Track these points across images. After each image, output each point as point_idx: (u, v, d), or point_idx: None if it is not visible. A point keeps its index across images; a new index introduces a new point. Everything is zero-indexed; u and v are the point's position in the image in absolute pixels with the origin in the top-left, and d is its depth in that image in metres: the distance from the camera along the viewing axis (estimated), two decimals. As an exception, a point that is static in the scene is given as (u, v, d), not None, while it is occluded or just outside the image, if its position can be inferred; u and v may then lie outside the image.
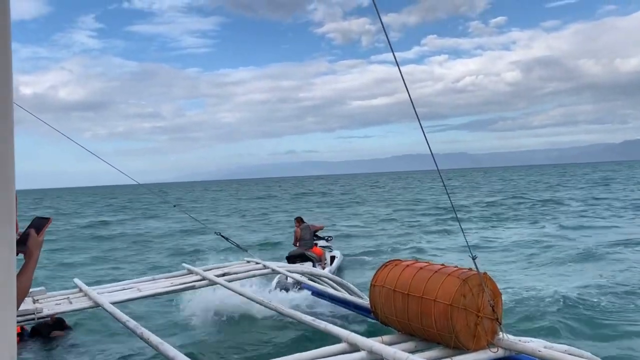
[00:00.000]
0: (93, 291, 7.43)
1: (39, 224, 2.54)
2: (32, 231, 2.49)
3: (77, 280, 8.04)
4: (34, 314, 6.98)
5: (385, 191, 66.67)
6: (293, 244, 14.16)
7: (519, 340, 4.94)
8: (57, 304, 7.20)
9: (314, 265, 12.78)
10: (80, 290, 7.65)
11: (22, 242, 2.46)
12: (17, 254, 2.46)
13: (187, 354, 4.81)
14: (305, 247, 13.72)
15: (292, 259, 12.89)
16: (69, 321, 9.17)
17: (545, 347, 4.74)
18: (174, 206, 10.49)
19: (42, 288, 7.67)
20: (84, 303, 7.17)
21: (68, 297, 7.44)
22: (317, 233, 14.57)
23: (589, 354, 4.93)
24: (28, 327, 8.67)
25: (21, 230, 2.51)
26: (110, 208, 56.48)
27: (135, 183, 8.89)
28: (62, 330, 8.91)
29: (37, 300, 7.27)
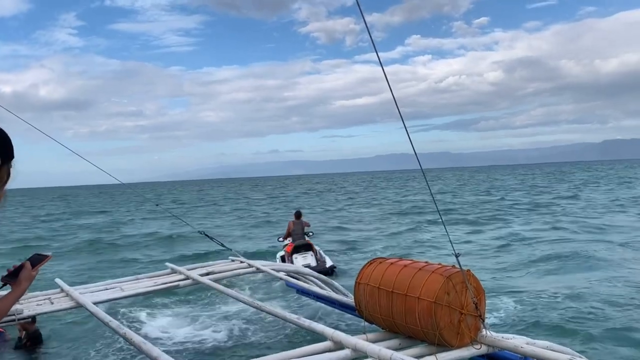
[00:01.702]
0: (75, 291, 7.34)
1: (37, 259, 2.56)
2: (28, 264, 2.50)
3: (58, 280, 7.94)
4: (14, 315, 6.88)
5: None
6: (284, 238, 15.62)
7: (502, 337, 4.98)
8: (38, 305, 7.09)
9: (316, 257, 14.43)
10: (62, 290, 7.55)
11: (15, 274, 2.47)
12: (5, 284, 2.48)
13: (170, 354, 4.77)
14: (298, 239, 15.00)
15: (298, 248, 14.55)
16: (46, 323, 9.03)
17: (527, 344, 4.78)
18: (157, 205, 10.40)
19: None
20: (65, 303, 7.08)
21: (49, 298, 7.34)
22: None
23: (570, 350, 4.99)
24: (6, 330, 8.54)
25: (16, 264, 2.54)
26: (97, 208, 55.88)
27: (118, 182, 8.81)
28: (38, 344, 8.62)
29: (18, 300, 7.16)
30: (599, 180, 65.90)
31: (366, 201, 45.17)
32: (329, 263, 14.45)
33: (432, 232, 22.22)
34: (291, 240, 15.17)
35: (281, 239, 16.23)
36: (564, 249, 15.50)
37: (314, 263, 14.11)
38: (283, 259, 15.33)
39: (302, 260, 14.12)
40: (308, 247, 14.71)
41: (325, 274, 13.69)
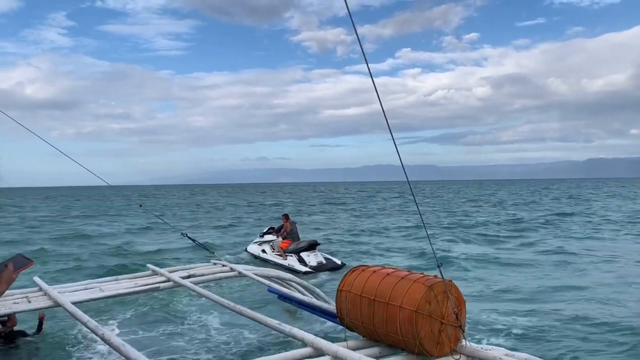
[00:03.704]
0: (53, 290, 7.24)
1: (20, 262, 2.51)
2: (10, 266, 2.45)
3: (36, 279, 7.83)
4: (-10, 312, 6.79)
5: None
6: (279, 234, 17.04)
7: (481, 348, 5.00)
8: (15, 303, 6.99)
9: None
10: (40, 289, 7.44)
11: None
12: None
13: (148, 356, 4.72)
14: (295, 239, 16.64)
15: (309, 247, 15.94)
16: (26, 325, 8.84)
17: (506, 355, 4.80)
18: (140, 206, 10.31)
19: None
20: (43, 302, 6.98)
21: (27, 296, 7.23)
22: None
23: (548, 363, 5.02)
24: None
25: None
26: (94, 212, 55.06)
27: (105, 184, 8.74)
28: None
29: (-6, 299, 7.06)
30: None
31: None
32: (337, 260, 16.01)
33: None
34: (289, 239, 16.73)
35: (261, 235, 17.79)
36: None
37: (324, 260, 15.65)
38: (259, 251, 17.23)
39: (314, 258, 15.53)
40: (315, 246, 16.08)
41: (337, 269, 15.40)
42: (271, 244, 17.24)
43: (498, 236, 23.95)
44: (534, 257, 17.47)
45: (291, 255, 16.21)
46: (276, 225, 18.55)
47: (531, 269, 15.09)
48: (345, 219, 36.06)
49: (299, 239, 16.78)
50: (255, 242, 18.14)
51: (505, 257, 17.30)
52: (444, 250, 18.49)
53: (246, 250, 18.47)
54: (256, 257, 17.30)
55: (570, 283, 12.79)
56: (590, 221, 30.74)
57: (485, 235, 24.48)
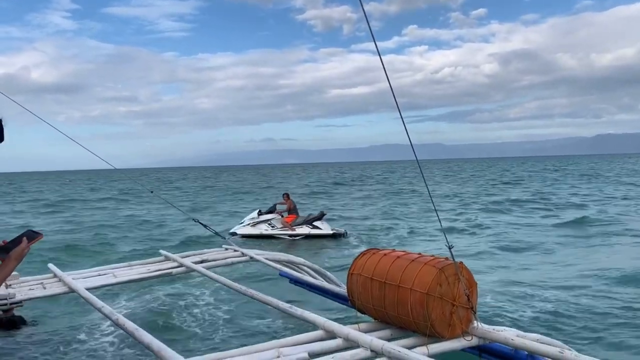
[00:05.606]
0: (68, 276, 7.34)
1: (30, 237, 2.50)
2: (25, 240, 2.44)
3: (51, 266, 7.93)
4: (6, 299, 6.89)
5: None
6: (280, 213, 18.39)
7: (493, 329, 5.02)
8: (30, 289, 7.10)
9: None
10: (55, 276, 7.55)
11: (6, 250, 2.42)
12: None
13: (161, 341, 4.78)
14: (297, 214, 18.45)
15: (322, 216, 18.19)
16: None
17: (517, 336, 4.83)
18: (151, 192, 10.33)
19: (16, 272, 7.54)
20: (58, 289, 7.08)
21: (42, 283, 7.34)
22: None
23: (559, 342, 5.05)
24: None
25: (6, 239, 2.48)
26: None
27: (111, 168, 8.79)
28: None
29: (10, 285, 7.17)
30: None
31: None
32: (342, 229, 18.15)
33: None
34: (293, 214, 18.41)
35: (253, 215, 18.58)
36: None
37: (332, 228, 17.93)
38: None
39: (327, 226, 17.78)
40: (323, 216, 18.18)
41: (342, 236, 17.32)
42: (269, 222, 17.94)
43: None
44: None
45: (301, 227, 17.74)
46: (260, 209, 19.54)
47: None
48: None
49: (299, 215, 18.57)
50: (247, 224, 18.46)
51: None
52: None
53: (235, 234, 18.06)
54: (256, 237, 17.91)
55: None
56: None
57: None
